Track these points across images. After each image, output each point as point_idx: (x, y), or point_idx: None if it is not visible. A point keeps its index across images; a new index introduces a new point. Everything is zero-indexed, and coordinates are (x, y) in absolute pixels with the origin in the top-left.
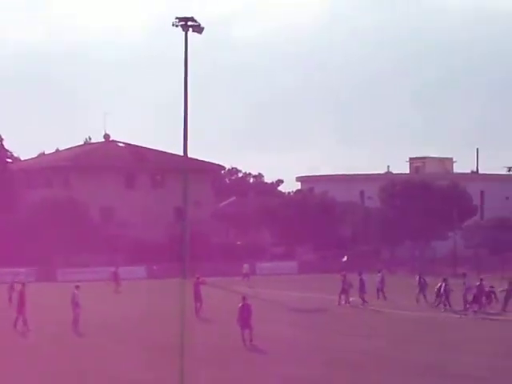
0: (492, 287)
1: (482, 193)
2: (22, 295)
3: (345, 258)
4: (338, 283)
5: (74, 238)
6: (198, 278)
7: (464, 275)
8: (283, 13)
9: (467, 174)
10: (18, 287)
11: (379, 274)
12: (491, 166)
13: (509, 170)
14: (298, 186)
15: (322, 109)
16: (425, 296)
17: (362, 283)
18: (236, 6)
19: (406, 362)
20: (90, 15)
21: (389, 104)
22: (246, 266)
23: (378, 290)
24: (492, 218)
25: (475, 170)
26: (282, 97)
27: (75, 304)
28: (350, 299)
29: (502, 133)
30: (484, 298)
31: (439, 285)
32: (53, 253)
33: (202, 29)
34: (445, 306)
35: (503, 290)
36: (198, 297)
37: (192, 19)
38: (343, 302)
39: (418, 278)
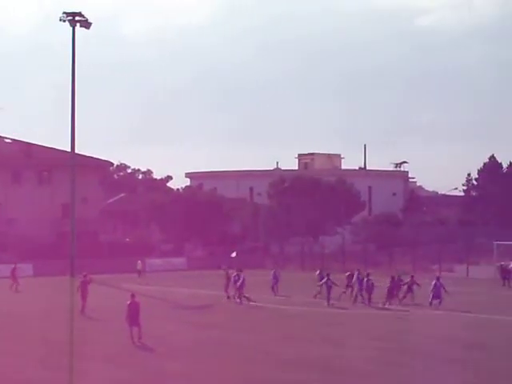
0: (401, 280)
1: (369, 189)
2: None
3: (233, 254)
4: (224, 279)
5: None
6: (85, 276)
7: (357, 271)
8: (174, 10)
9: (355, 170)
10: None
11: (272, 272)
12: (378, 162)
13: (396, 167)
14: (188, 182)
15: (211, 105)
16: (320, 292)
17: (241, 279)
18: (127, 1)
19: (287, 357)
20: None
21: (277, 101)
22: (139, 262)
23: (272, 287)
24: (379, 213)
25: (363, 166)
26: (172, 93)
27: None
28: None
29: (389, 129)
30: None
31: (324, 280)
32: None
33: (90, 24)
34: (328, 301)
35: (405, 284)
36: (84, 295)
37: (80, 14)
38: (231, 297)
39: (317, 272)
